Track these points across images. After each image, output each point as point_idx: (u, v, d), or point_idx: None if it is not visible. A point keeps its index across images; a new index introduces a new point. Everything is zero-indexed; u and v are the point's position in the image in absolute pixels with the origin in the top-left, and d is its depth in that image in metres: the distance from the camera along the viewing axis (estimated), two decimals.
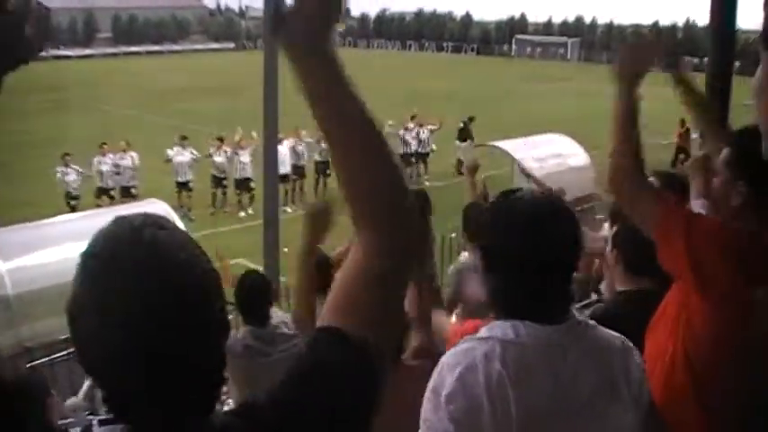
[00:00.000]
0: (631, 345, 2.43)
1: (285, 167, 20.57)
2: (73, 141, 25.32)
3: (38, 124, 37.48)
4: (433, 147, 25.37)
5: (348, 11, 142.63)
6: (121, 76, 65.76)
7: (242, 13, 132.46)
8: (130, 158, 21.15)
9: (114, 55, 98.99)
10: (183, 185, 21.34)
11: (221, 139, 22.14)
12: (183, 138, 22.01)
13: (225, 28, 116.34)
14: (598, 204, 15.90)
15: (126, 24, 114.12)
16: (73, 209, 19.54)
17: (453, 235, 11.77)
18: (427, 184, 23.16)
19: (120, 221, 1.46)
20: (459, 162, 24.69)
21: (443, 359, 2.29)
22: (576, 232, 2.28)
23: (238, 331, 5.34)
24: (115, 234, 1.44)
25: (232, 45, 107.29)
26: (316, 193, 22.31)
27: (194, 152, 21.64)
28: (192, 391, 1.39)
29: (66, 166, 20.16)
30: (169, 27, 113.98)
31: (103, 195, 20.84)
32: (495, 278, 2.32)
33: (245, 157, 21.38)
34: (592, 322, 2.38)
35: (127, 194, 20.87)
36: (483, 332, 2.27)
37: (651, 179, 3.34)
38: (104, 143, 21.58)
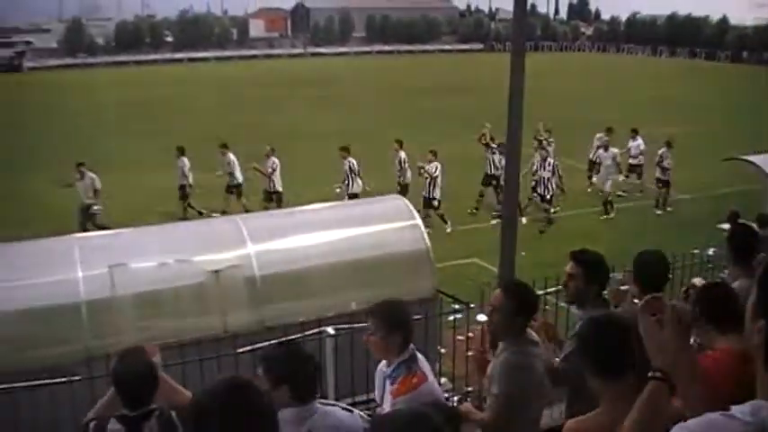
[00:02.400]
0: None
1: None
2: (328, 136, 26.69)
3: (299, 116, 39.73)
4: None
5: (599, 13, 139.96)
6: (374, 73, 68.08)
7: (491, 15, 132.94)
8: (272, 163, 20.88)
9: (367, 53, 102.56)
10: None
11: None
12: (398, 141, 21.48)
13: (474, 29, 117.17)
14: None
15: (379, 24, 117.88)
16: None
17: (711, 251, 11.18)
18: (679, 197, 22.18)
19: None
20: None
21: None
22: None
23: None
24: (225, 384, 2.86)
25: (480, 46, 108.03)
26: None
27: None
28: None
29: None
30: (420, 27, 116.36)
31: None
32: None
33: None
34: None
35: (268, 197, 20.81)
36: (744, 413, 2.13)
37: None
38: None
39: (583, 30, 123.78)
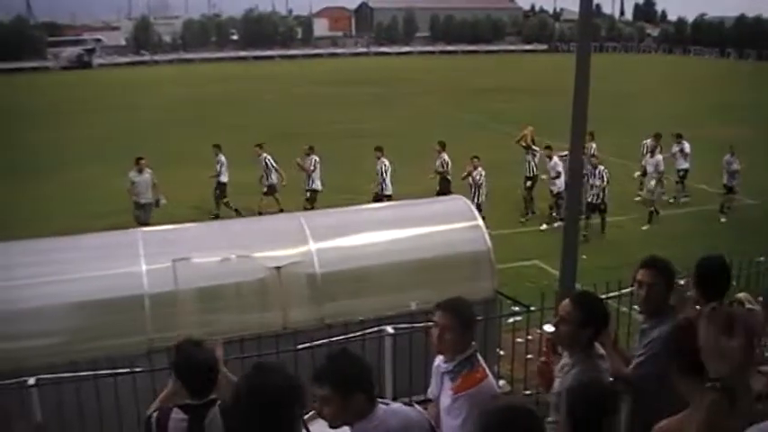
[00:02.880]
0: None
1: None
2: (390, 135, 26.71)
3: (362, 115, 39.92)
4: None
5: (665, 14, 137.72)
6: (437, 73, 67.99)
7: (556, 16, 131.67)
8: (313, 161, 20.46)
9: (431, 53, 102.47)
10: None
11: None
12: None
13: (538, 29, 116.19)
14: None
15: (443, 24, 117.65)
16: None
17: (762, 258, 10.93)
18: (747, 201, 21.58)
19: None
20: None
21: None
22: None
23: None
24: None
25: (545, 47, 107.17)
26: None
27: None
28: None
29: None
30: (484, 27, 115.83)
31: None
32: None
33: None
34: None
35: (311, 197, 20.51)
36: None
37: None
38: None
39: (648, 31, 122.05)
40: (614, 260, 14.26)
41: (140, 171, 18.99)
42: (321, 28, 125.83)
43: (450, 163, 20.34)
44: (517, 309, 9.92)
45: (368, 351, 7.92)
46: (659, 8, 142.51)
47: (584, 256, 12.05)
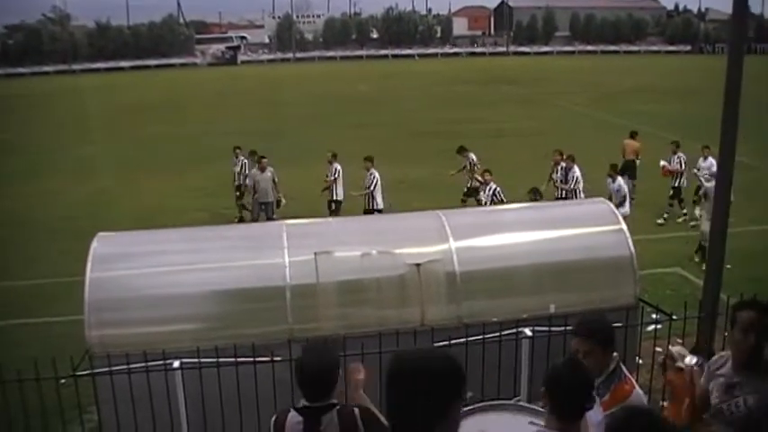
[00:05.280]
0: None
1: None
2: (528, 134, 26.32)
3: (502, 114, 39.68)
4: None
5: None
6: (576, 73, 66.86)
7: (701, 15, 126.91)
8: (335, 169, 18.99)
9: (570, 53, 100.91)
10: None
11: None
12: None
13: (682, 30, 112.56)
14: None
15: (584, 23, 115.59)
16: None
17: None
18: None
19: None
20: None
21: None
22: None
23: None
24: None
25: (688, 47, 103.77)
26: None
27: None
28: None
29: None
30: (625, 27, 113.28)
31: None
32: None
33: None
34: None
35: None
36: None
37: None
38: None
39: None
40: (761, 271, 13.60)
41: (262, 170, 18.88)
42: (460, 27, 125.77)
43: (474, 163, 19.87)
44: (658, 317, 9.56)
45: (504, 353, 7.80)
46: None
47: (729, 266, 11.52)
